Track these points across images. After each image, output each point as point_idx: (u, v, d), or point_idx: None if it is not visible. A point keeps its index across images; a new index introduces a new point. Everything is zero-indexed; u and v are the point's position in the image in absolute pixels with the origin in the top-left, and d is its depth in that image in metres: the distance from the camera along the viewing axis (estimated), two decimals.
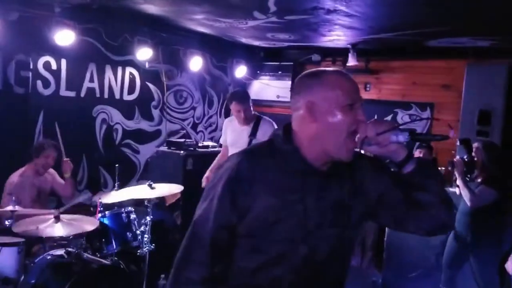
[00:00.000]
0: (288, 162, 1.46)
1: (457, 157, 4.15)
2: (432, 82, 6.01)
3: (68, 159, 4.12)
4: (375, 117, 6.39)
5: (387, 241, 4.71)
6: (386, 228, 4.68)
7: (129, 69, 5.52)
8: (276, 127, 4.08)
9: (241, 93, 4.48)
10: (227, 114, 7.09)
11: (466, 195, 3.87)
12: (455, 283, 4.17)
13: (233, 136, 4.28)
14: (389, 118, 6.40)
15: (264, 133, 4.07)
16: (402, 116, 6.33)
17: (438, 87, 5.95)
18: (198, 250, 1.47)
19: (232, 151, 4.16)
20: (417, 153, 5.46)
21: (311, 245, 1.45)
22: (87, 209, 4.74)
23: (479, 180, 3.97)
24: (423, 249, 4.41)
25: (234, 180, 1.42)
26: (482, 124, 4.55)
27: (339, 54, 6.20)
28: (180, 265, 1.50)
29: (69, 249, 3.23)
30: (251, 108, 4.30)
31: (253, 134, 4.14)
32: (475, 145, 4.16)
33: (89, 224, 3.30)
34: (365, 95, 6.59)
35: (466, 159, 4.05)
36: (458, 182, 3.92)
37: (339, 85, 1.44)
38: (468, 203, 3.87)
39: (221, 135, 6.90)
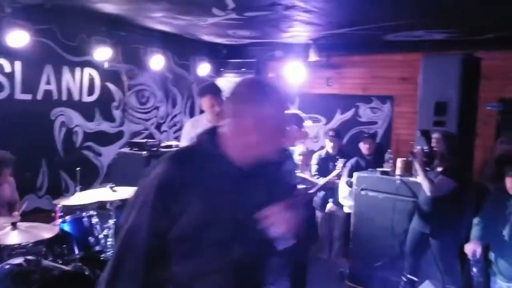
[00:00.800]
0: (216, 166, 1.46)
1: (417, 147, 4.25)
2: (391, 75, 6.14)
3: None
4: (338, 111, 6.50)
5: (354, 232, 4.78)
6: (352, 219, 4.75)
7: (87, 70, 5.40)
8: None
9: (214, 86, 4.05)
10: (192, 113, 7.04)
11: (425, 185, 3.97)
12: (418, 269, 4.28)
13: None
14: (351, 112, 6.52)
15: None
16: (364, 110, 6.45)
17: (397, 80, 6.09)
18: (131, 261, 1.41)
19: None
20: (362, 145, 5.52)
21: (243, 247, 1.46)
22: (48, 215, 4.63)
23: (439, 169, 4.09)
24: (388, 238, 4.50)
25: (164, 186, 1.40)
26: (438, 114, 4.66)
27: (300, 49, 6.24)
28: (113, 279, 1.43)
29: (28, 257, 3.13)
30: (221, 102, 3.84)
31: None
32: (435, 135, 4.28)
33: (47, 231, 3.21)
34: (327, 90, 6.68)
35: (425, 150, 4.15)
36: (418, 172, 4.02)
37: (284, 106, 1.55)
38: (428, 193, 3.97)
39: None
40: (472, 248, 3.42)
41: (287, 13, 4.30)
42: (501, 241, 3.49)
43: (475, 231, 3.59)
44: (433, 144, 4.27)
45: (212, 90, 3.87)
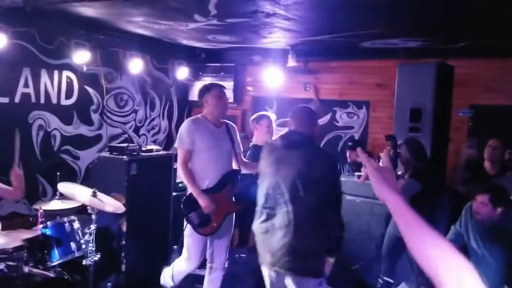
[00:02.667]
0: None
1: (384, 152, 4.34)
2: (367, 81, 6.30)
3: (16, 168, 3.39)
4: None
5: None
6: None
7: (66, 73, 5.34)
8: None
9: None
10: (170, 117, 7.05)
11: None
12: (394, 272, 4.40)
13: (213, 139, 3.73)
14: (328, 117, 6.64)
15: (236, 136, 3.93)
16: (341, 114, 6.57)
17: (373, 86, 6.25)
18: None
19: (211, 154, 3.70)
20: (348, 154, 5.67)
21: None
22: (25, 220, 4.58)
23: (406, 176, 4.23)
24: (365, 242, 4.61)
25: None
26: (413, 121, 4.80)
27: (279, 55, 6.32)
28: None
29: (9, 263, 3.10)
30: None
31: (231, 140, 3.82)
32: (399, 142, 4.41)
33: (27, 235, 3.19)
34: (304, 95, 6.79)
35: (391, 155, 4.28)
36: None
37: None
38: None
39: (164, 137, 6.91)
40: None
41: (268, 20, 4.36)
42: (473, 254, 3.60)
43: (449, 234, 3.73)
44: (398, 150, 4.41)
45: (219, 85, 3.95)
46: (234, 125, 4.03)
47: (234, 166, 3.89)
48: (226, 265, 3.95)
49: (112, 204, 3.70)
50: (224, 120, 3.95)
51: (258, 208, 3.04)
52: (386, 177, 1.28)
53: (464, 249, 3.69)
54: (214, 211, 3.62)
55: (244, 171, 3.93)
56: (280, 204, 2.87)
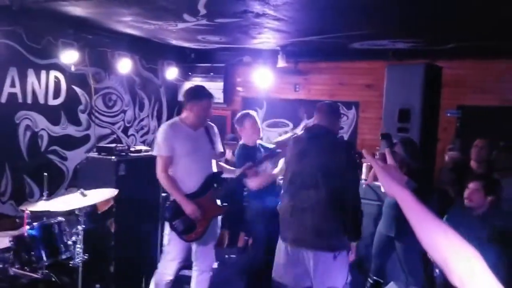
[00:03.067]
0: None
1: (379, 151, 4.37)
2: (357, 82, 6.32)
3: None
4: (305, 117, 6.60)
5: None
6: None
7: (53, 73, 5.29)
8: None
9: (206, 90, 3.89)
10: (159, 117, 7.01)
11: None
12: (384, 272, 4.42)
13: (191, 143, 3.64)
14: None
15: (216, 137, 3.86)
16: None
17: (362, 87, 6.27)
18: None
19: (192, 159, 3.61)
20: None
21: None
22: (12, 221, 4.51)
23: None
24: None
25: None
26: (402, 121, 4.83)
27: (269, 55, 6.33)
28: None
29: None
30: None
31: (211, 142, 3.75)
32: (395, 141, 4.44)
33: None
34: (294, 95, 6.80)
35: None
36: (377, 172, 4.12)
37: None
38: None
39: (153, 138, 6.87)
40: None
41: (258, 21, 4.36)
42: None
43: None
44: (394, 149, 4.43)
45: (209, 94, 3.76)
46: (213, 125, 3.89)
47: (214, 168, 3.83)
48: (215, 266, 3.92)
49: (103, 195, 3.70)
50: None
51: (283, 192, 3.40)
52: (392, 174, 1.36)
53: None
54: (200, 217, 3.55)
55: (224, 175, 3.90)
56: (302, 189, 3.18)
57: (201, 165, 3.67)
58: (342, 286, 3.13)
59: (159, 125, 6.96)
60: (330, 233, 3.12)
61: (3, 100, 4.80)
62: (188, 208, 3.51)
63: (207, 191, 3.65)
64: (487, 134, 4.81)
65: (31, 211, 3.73)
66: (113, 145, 4.53)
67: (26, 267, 3.33)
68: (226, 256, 5.61)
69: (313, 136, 3.32)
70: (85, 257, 3.63)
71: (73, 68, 5.42)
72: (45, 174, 3.97)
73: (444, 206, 3.98)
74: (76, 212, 3.62)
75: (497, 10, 3.52)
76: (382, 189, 4.29)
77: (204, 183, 3.65)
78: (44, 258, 3.47)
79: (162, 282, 3.81)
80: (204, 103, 3.66)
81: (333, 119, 3.40)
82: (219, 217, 3.91)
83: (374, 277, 4.40)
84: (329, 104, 3.54)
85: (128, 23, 4.90)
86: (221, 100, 7.04)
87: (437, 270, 3.53)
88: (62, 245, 3.62)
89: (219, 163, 4.00)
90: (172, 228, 3.60)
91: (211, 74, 7.07)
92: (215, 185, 3.70)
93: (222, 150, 3.99)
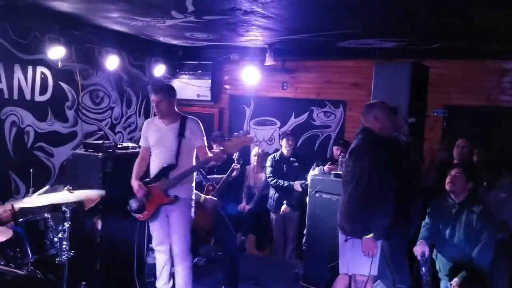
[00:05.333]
0: None
1: None
2: (344, 81, 6.36)
3: None
4: (292, 115, 6.63)
5: (307, 233, 4.90)
6: (306, 221, 4.87)
7: (40, 69, 5.24)
8: (201, 124, 4.01)
9: (159, 85, 4.31)
10: (147, 114, 6.98)
11: None
12: None
13: (158, 135, 3.98)
14: (305, 116, 6.68)
15: (191, 132, 3.93)
16: (318, 114, 6.62)
17: (349, 85, 6.32)
18: None
19: (157, 151, 3.97)
20: (335, 150, 5.76)
21: None
22: None
23: None
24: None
25: None
26: None
27: (256, 53, 6.34)
28: None
29: None
30: (170, 103, 3.96)
31: (181, 134, 3.91)
32: None
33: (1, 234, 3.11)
34: (282, 94, 6.82)
35: None
36: None
37: None
38: None
39: (140, 135, 6.84)
40: (420, 249, 3.61)
41: (246, 18, 4.37)
42: (442, 240, 3.73)
43: (422, 232, 3.80)
44: None
45: (154, 87, 4.17)
46: (194, 120, 4.03)
47: (194, 160, 4.00)
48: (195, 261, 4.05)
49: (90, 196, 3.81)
50: (185, 115, 4.05)
51: None
52: None
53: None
54: (145, 198, 3.94)
55: (211, 162, 4.21)
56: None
57: (162, 157, 3.95)
58: None
59: None
60: (343, 220, 3.73)
61: None
62: (133, 186, 3.96)
63: (157, 180, 3.93)
64: (473, 134, 4.88)
65: (17, 208, 3.71)
66: (100, 141, 4.50)
67: (11, 264, 3.30)
68: (213, 253, 5.63)
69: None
70: (71, 254, 3.61)
71: (60, 64, 5.38)
72: (31, 170, 3.96)
73: (429, 204, 4.04)
74: (63, 208, 3.59)
75: (482, 11, 3.57)
76: None
77: (157, 173, 3.94)
78: (30, 255, 3.45)
79: (159, 268, 4.10)
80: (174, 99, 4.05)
81: (368, 118, 3.83)
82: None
83: None
84: (366, 105, 3.94)
85: (115, 19, 4.87)
86: (209, 98, 7.04)
87: (423, 269, 3.58)
88: (48, 242, 3.60)
89: (206, 151, 4.01)
90: (128, 205, 4.01)
91: (199, 71, 7.06)
92: (165, 176, 3.91)
93: (201, 144, 3.98)
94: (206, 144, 4.02)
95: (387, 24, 4.42)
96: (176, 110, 4.05)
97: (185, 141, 3.92)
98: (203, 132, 4.02)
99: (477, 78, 5.56)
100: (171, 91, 4.05)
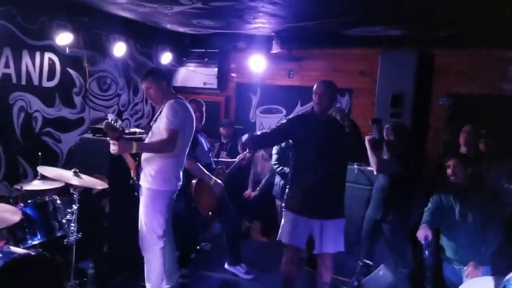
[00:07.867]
0: None
1: (368, 136, 4.39)
2: (350, 69, 6.35)
3: None
4: (299, 102, 6.64)
5: None
6: None
7: (48, 54, 5.28)
8: (176, 106, 3.63)
9: (146, 70, 3.98)
10: None
11: (373, 160, 4.21)
12: (374, 254, 4.50)
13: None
14: (311, 104, 6.67)
15: (160, 117, 3.67)
16: None
17: (355, 74, 6.31)
18: None
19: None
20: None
21: None
22: (5, 201, 4.53)
23: (385, 157, 4.35)
24: (345, 225, 4.67)
25: None
26: (394, 106, 4.89)
27: (263, 41, 6.34)
28: None
29: None
30: (160, 87, 3.74)
31: (155, 120, 3.76)
32: (386, 126, 4.51)
33: (11, 214, 3.17)
34: (288, 82, 6.82)
35: (376, 138, 4.37)
36: (368, 151, 4.17)
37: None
38: (374, 170, 4.23)
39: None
40: (423, 233, 3.64)
41: (253, 4, 4.37)
42: (450, 225, 3.75)
43: (425, 216, 3.83)
44: (384, 134, 4.50)
45: (142, 75, 3.96)
46: (169, 103, 3.66)
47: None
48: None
49: (94, 183, 3.73)
50: (172, 99, 3.73)
51: None
52: None
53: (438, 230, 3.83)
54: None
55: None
56: None
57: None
58: None
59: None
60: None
61: None
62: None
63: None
64: (478, 122, 4.88)
65: (26, 190, 3.77)
66: None
67: (20, 244, 3.37)
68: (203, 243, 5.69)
69: None
70: (79, 236, 3.68)
71: (67, 50, 5.41)
72: (39, 153, 4.01)
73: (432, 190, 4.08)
74: (71, 191, 3.65)
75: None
76: (375, 173, 4.37)
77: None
78: (38, 236, 3.52)
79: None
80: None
81: None
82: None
83: (364, 260, 4.47)
84: None
85: (123, 5, 4.89)
86: (215, 86, 7.06)
87: (426, 252, 3.60)
88: (56, 223, 3.67)
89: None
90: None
91: (206, 59, 7.07)
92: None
93: (163, 127, 3.60)
94: (166, 128, 3.56)
95: (393, 11, 4.40)
96: (172, 93, 3.85)
97: (154, 126, 3.74)
98: (171, 115, 3.58)
99: (483, 67, 5.52)
100: (158, 73, 3.80)
